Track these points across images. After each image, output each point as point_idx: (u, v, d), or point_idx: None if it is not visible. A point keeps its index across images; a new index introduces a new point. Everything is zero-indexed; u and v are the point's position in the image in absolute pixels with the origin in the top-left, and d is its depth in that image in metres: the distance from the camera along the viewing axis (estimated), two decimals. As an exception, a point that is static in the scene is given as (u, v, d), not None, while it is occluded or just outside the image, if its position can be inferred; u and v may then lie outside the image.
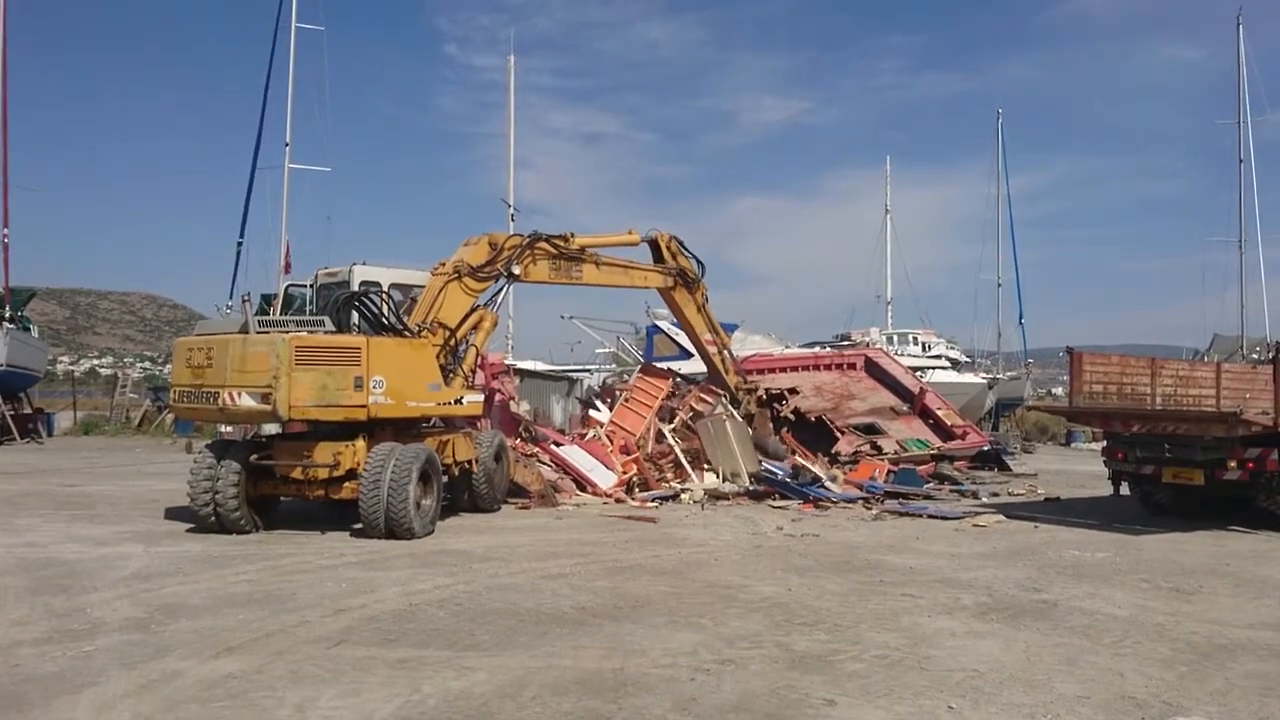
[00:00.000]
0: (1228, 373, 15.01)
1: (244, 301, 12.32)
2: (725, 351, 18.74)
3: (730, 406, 18.17)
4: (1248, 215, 42.93)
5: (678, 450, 17.32)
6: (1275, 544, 11.84)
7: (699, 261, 17.84)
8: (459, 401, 13.12)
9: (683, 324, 18.22)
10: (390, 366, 11.86)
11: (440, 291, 13.44)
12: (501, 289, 14.83)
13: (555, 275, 15.41)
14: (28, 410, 31.36)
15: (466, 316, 13.66)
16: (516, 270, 14.48)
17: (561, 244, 15.36)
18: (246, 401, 11.21)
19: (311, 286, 14.67)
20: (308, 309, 14.26)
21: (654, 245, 17.48)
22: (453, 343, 13.33)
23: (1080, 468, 22.88)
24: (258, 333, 11.48)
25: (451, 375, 13.11)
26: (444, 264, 13.88)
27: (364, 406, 11.55)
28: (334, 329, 11.94)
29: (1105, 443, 14.98)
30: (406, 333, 12.69)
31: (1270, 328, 40.73)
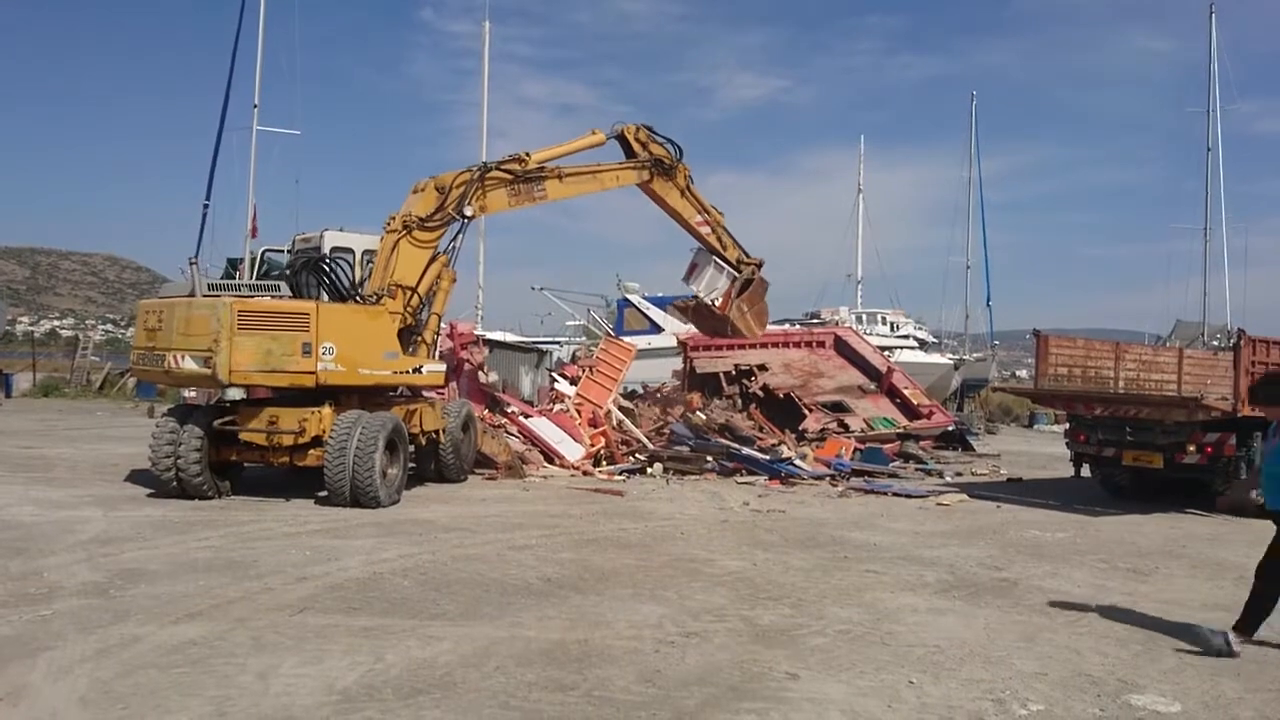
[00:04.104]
0: (1189, 359, 15.24)
1: (191, 264, 12.17)
2: (720, 228, 17.31)
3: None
4: (1214, 203, 43.43)
5: (628, 425, 17.32)
6: (1230, 527, 12.06)
7: (674, 144, 16.35)
8: (417, 371, 12.72)
9: (669, 214, 16.95)
10: (341, 333, 11.61)
11: (392, 250, 12.83)
12: (460, 232, 13.83)
13: (516, 201, 14.21)
14: (-15, 370, 30.82)
15: (426, 269, 13.05)
16: (469, 211, 13.46)
17: (516, 167, 14.06)
18: (189, 365, 11.15)
19: (289, 252, 14.45)
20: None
21: (622, 140, 16.03)
22: (415, 301, 12.86)
23: (1042, 449, 23.18)
24: (205, 296, 11.42)
25: (416, 340, 12.90)
26: (393, 218, 13.08)
27: (312, 373, 11.34)
28: (292, 294, 11.80)
29: (1068, 425, 15.18)
30: (358, 299, 12.41)
31: (1232, 315, 41.33)
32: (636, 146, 15.93)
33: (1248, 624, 6.53)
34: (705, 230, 17.05)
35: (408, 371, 12.60)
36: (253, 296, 11.47)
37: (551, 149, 14.82)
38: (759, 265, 17.65)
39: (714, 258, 17.18)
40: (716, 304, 17.16)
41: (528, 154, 14.24)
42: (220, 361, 10.88)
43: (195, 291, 11.42)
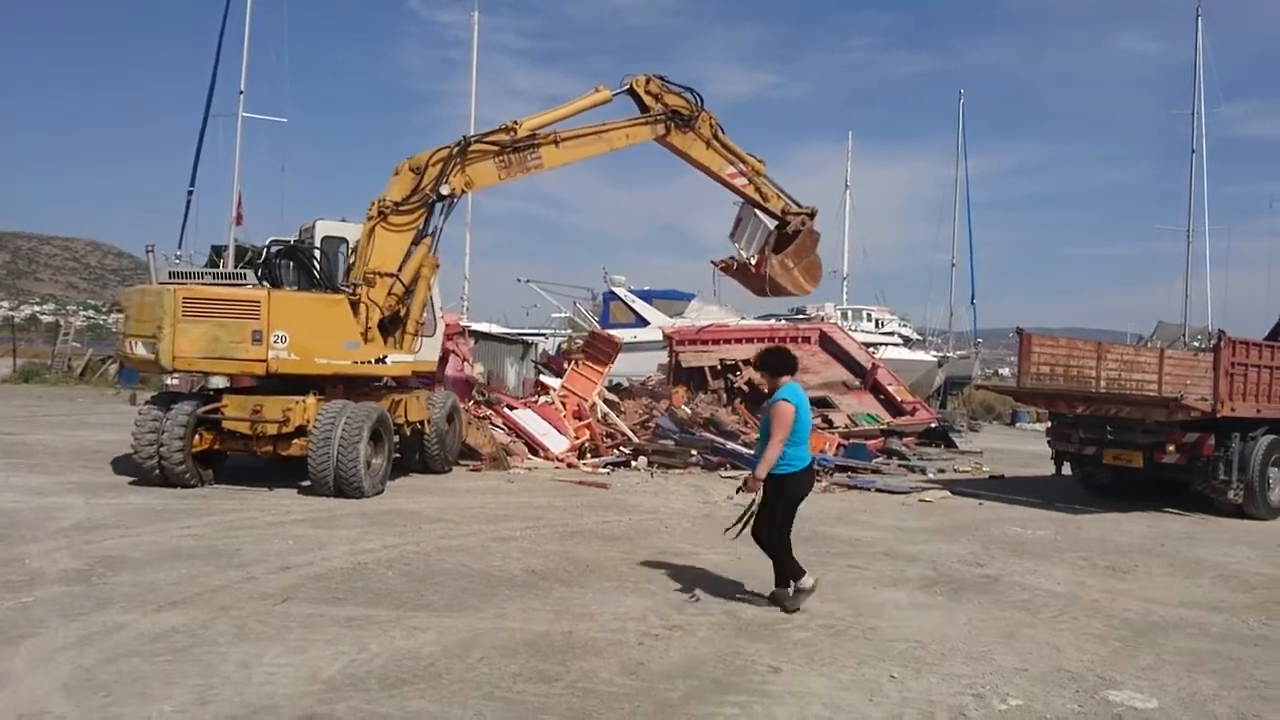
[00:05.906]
0: (1170, 359, 15.37)
1: (148, 252, 12.25)
2: (759, 177, 15.85)
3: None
4: (1197, 205, 43.69)
5: (613, 418, 17.34)
6: (1208, 526, 12.19)
7: (693, 92, 14.94)
8: (381, 360, 12.37)
9: (697, 168, 15.48)
10: (295, 322, 11.47)
11: (369, 238, 12.55)
12: (443, 213, 13.22)
13: (507, 173, 13.35)
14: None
15: (409, 255, 12.70)
16: (445, 189, 12.80)
17: (504, 137, 13.19)
18: (140, 350, 11.41)
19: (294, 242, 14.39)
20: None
21: (633, 95, 14.71)
22: (399, 289, 12.52)
23: (1024, 447, 23.32)
24: (160, 284, 11.60)
25: (401, 328, 12.78)
26: (374, 204, 12.69)
27: (263, 361, 11.27)
28: (264, 284, 11.82)
29: (1050, 423, 15.28)
30: (319, 288, 12.22)
31: (1213, 316, 41.65)
32: (649, 100, 14.68)
33: (783, 582, 7.17)
34: (740, 182, 15.75)
35: (369, 361, 12.25)
36: (204, 284, 11.57)
37: (548, 113, 13.88)
38: (810, 215, 16.35)
39: (756, 211, 16.12)
40: (752, 261, 16.24)
41: (516, 122, 13.41)
42: (164, 347, 10.99)
43: (153, 278, 11.58)
